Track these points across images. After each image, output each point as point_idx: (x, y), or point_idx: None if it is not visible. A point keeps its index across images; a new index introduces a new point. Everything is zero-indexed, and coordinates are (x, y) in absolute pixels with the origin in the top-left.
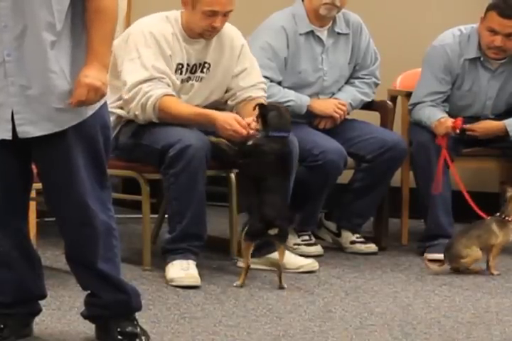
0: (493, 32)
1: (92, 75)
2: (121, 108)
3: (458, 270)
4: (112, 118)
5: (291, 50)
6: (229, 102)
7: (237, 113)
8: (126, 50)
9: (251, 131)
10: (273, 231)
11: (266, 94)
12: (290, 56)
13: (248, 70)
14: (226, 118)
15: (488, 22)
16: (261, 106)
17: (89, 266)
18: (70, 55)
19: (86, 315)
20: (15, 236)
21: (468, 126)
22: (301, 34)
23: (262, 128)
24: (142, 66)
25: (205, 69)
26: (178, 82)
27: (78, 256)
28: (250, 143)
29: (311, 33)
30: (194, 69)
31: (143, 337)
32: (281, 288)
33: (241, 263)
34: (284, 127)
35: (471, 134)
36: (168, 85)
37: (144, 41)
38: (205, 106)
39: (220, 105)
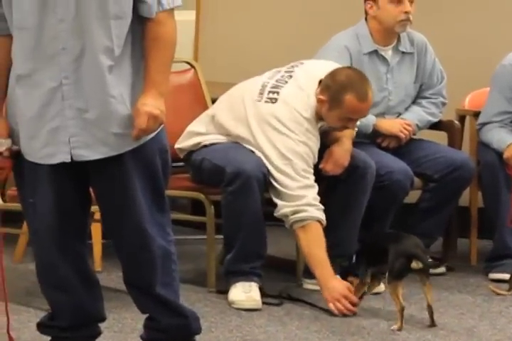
0: None
1: (150, 103)
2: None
3: None
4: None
5: None
6: None
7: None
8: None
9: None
10: (417, 265)
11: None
12: None
13: None
14: (333, 296)
15: None
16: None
17: (147, 290)
18: (129, 80)
19: (145, 338)
20: (74, 260)
21: None
22: (364, 54)
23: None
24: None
25: None
26: None
27: (136, 280)
28: None
29: (375, 52)
30: None
31: None
32: (432, 325)
33: (309, 285)
34: None
35: None
36: None
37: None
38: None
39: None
